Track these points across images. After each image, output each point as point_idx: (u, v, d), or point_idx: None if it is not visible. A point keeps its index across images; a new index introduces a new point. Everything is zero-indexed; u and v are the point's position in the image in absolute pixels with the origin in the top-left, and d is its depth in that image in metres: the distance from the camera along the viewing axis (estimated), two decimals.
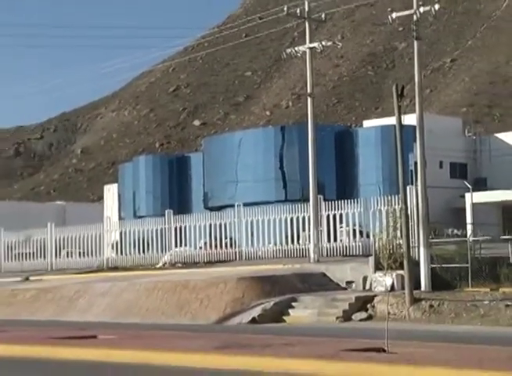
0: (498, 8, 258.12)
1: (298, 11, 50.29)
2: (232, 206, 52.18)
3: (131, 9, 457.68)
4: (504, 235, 47.83)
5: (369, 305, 35.96)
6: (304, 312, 36.31)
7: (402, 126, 38.71)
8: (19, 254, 59.72)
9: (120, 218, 71.75)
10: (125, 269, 51.05)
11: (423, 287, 37.31)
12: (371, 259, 40.22)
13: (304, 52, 49.98)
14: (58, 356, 22.22)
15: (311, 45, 49.75)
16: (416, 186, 39.48)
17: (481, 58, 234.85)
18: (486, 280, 37.26)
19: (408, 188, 38.79)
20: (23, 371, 20.49)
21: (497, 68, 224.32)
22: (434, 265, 38.67)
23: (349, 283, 40.25)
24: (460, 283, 38.19)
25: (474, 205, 63.50)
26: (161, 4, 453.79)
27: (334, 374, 16.96)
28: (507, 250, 33.68)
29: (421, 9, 41.64)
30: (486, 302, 34.21)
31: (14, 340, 26.06)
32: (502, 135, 78.07)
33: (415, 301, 34.98)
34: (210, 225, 52.05)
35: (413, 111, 41.65)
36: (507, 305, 32.77)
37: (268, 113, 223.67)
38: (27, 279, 52.96)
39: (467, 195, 64.43)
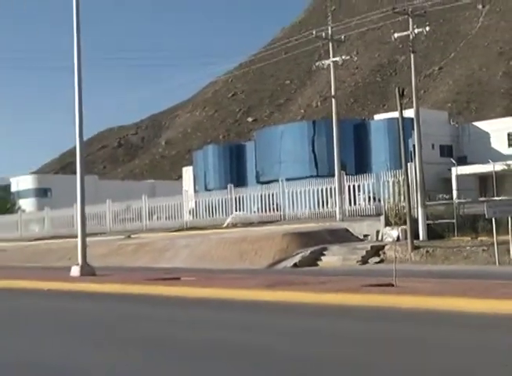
0: (473, 29, 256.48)
1: (324, 34, 50.29)
2: (277, 180, 52.03)
3: (197, 33, 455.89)
4: (481, 197, 47.59)
5: (380, 252, 35.85)
6: (333, 258, 36.22)
7: (403, 118, 38.60)
8: (122, 219, 60.01)
9: (194, 191, 71.80)
10: (199, 228, 51.10)
11: (421, 238, 37.16)
12: (382, 218, 40.12)
13: (329, 65, 49.84)
14: (153, 292, 22.62)
15: (334, 59, 49.58)
16: (415, 162, 39.29)
17: (460, 66, 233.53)
18: (468, 231, 37.09)
19: (408, 164, 38.61)
20: (132, 302, 20.66)
21: (473, 74, 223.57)
22: (428, 222, 38.49)
23: (366, 236, 40.12)
24: (448, 234, 38.03)
25: (457, 176, 63.18)
26: (222, 29, 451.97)
27: (357, 303, 17.00)
28: (483, 208, 33.47)
29: (416, 31, 41.54)
30: (468, 248, 34.05)
31: (123, 281, 26.38)
32: (477, 124, 77.99)
33: (415, 248, 34.86)
34: (261, 195, 52.02)
35: (411, 107, 41.54)
36: (484, 250, 32.61)
37: (302, 111, 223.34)
38: (128, 237, 53.19)
39: (453, 169, 64.15)
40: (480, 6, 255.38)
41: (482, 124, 76.76)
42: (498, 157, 62.80)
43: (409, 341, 12.25)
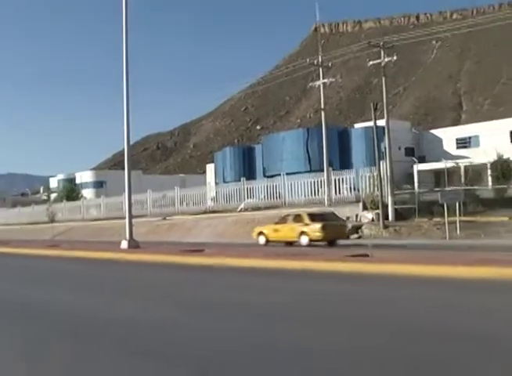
0: (428, 59, 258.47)
1: (315, 62, 50.34)
2: (279, 175, 51.99)
3: (218, 60, 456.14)
4: (435, 188, 47.52)
5: (359, 230, 35.95)
6: None
7: (376, 127, 38.67)
8: (159, 204, 60.11)
9: (215, 183, 71.70)
10: (219, 212, 51.14)
11: (390, 219, 37.22)
12: (360, 204, 40.23)
13: (319, 85, 49.90)
14: (183, 261, 22.62)
15: (323, 81, 49.60)
16: (386, 161, 39.34)
17: (419, 87, 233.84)
18: (426, 214, 37.13)
19: (381, 162, 38.69)
20: (168, 268, 20.72)
21: (429, 93, 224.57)
22: (396, 206, 38.55)
23: (348, 217, 40.01)
24: (411, 216, 38.12)
25: (418, 172, 63.16)
26: (237, 59, 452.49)
27: (341, 269, 16.98)
28: (437, 196, 33.53)
29: (386, 60, 41.58)
30: (426, 226, 34.16)
31: (159, 252, 26.44)
32: (433, 131, 77.89)
33: (385, 227, 34.89)
34: (267, 186, 52.01)
35: (383, 118, 41.45)
36: (437, 228, 32.73)
37: (299, 121, 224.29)
38: (164, 218, 53.30)
39: (415, 166, 64.14)
40: (434, 42, 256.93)
41: (436, 132, 76.72)
42: (448, 156, 62.72)
43: (378, 297, 12.37)
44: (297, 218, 34.84)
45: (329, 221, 32.91)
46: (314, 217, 34.05)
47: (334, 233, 32.96)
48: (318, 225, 32.63)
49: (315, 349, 7.39)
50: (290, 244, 33.91)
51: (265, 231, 36.15)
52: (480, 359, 6.82)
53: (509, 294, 12.20)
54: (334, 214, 35.71)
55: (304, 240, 33.05)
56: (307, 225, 33.43)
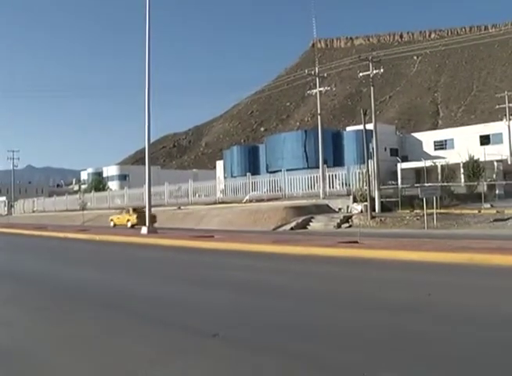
0: (411, 71, 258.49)
1: (312, 72, 50.25)
2: (280, 170, 51.88)
3: (229, 70, 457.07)
4: (416, 184, 47.51)
5: (349, 220, 35.74)
6: (317, 224, 36.09)
7: (365, 130, 38.51)
8: (175, 196, 59.95)
9: (224, 177, 71.65)
10: (227, 203, 51.00)
11: (377, 211, 37.05)
12: (351, 197, 40.00)
13: (316, 93, 49.68)
14: (195, 246, 22.55)
15: (320, 89, 49.40)
16: (373, 160, 39.19)
17: (403, 96, 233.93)
18: (407, 207, 37.00)
19: (369, 161, 38.53)
20: (183, 252, 20.72)
21: (411, 101, 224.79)
22: (382, 200, 38.43)
23: (340, 209, 39.93)
24: (395, 208, 37.98)
25: (401, 170, 63.08)
26: (245, 69, 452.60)
27: (333, 254, 16.99)
28: (417, 191, 33.53)
29: (374, 71, 41.43)
30: (407, 217, 33.96)
31: (174, 237, 26.40)
32: (414, 134, 77.81)
33: (372, 217, 34.74)
34: (269, 180, 51.83)
35: (371, 122, 41.31)
36: (417, 219, 32.53)
37: (298, 123, 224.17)
38: (179, 208, 53.14)
39: (398, 164, 64.04)
40: (415, 57, 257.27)
41: (417, 135, 76.67)
42: (427, 157, 62.59)
43: (364, 278, 12.42)
44: (128, 211, 48.17)
45: (143, 213, 38.69)
46: (135, 210, 46.90)
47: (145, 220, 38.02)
48: (135, 215, 45.27)
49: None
50: (128, 226, 44.85)
51: (114, 218, 49.04)
52: (451, 326, 6.89)
53: (480, 275, 12.19)
54: (328, 205, 35.80)
55: (129, 224, 45.25)
56: (130, 215, 46.38)
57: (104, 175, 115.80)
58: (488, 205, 38.24)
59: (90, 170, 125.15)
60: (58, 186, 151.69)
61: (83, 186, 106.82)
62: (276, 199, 47.74)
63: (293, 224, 36.13)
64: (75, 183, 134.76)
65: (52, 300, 10.57)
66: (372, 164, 39.31)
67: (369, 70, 42.04)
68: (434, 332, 6.91)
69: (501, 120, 68.35)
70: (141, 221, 38.60)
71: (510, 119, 65.61)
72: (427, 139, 73.31)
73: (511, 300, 9.28)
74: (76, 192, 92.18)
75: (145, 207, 34.22)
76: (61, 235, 35.02)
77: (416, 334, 6.89)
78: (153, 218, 37.43)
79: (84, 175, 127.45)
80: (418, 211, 34.28)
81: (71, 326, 8.10)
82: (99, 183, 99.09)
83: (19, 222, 66.16)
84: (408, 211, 36.31)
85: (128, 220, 45.75)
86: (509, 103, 68.16)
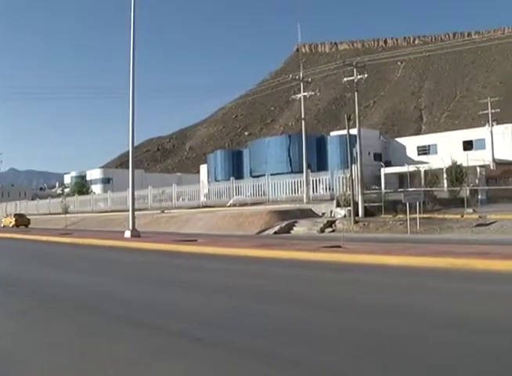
0: (395, 77, 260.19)
1: (297, 77, 50.28)
2: (264, 175, 51.90)
3: (214, 75, 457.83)
4: (399, 189, 47.70)
5: (333, 224, 35.76)
6: (301, 228, 36.11)
7: (349, 135, 38.62)
8: (159, 199, 59.77)
9: (208, 181, 71.49)
10: (211, 207, 50.97)
11: (360, 215, 37.12)
12: (334, 201, 40.07)
13: (300, 98, 49.77)
14: (179, 249, 22.50)
15: (304, 94, 49.48)
16: (357, 164, 39.28)
17: (387, 101, 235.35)
18: (391, 211, 37.08)
19: (353, 166, 38.58)
20: (165, 255, 20.68)
21: (395, 106, 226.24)
22: (365, 204, 38.51)
23: (323, 213, 39.99)
24: (378, 213, 38.05)
25: (385, 174, 63.25)
26: (230, 73, 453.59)
27: (317, 258, 16.97)
28: (401, 196, 33.66)
29: (358, 77, 41.55)
30: (390, 222, 34.06)
31: (157, 241, 26.31)
32: (398, 139, 78.25)
33: (356, 222, 34.80)
34: (253, 185, 51.84)
35: (355, 127, 41.45)
36: (400, 224, 32.61)
37: (282, 128, 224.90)
38: (162, 212, 53.07)
39: (382, 169, 64.17)
40: (399, 63, 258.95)
41: (401, 140, 77.06)
42: (411, 162, 62.94)
43: (348, 281, 12.44)
44: (11, 215, 65.68)
45: (20, 216, 63.45)
46: (15, 215, 64.66)
47: (22, 222, 60.30)
48: (14, 219, 61.36)
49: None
50: (13, 226, 58.99)
51: (3, 220, 64.53)
52: (417, 327, 6.91)
53: (458, 280, 12.23)
54: (311, 210, 35.85)
55: (12, 224, 60.27)
56: (11, 218, 62.22)
57: (87, 178, 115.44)
58: (471, 210, 38.42)
59: (73, 173, 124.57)
60: (41, 189, 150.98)
61: (66, 190, 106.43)
62: (260, 203, 47.74)
63: (276, 228, 36.10)
64: (58, 186, 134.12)
65: (29, 302, 10.50)
66: (355, 169, 39.39)
67: (353, 75, 42.17)
68: (414, 336, 6.93)
69: (484, 126, 68.84)
70: (19, 222, 59.81)
71: (492, 125, 66.11)
72: (410, 144, 73.69)
73: (488, 304, 9.31)
74: (59, 195, 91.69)
75: (127, 210, 34.09)
76: (43, 238, 34.78)
77: (396, 338, 6.90)
78: (26, 221, 60.86)
79: (67, 179, 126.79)
80: (401, 215, 34.34)
81: (48, 328, 8.07)
82: (82, 187, 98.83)
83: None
84: (391, 215, 36.39)
85: (11, 222, 61.50)
86: (491, 108, 68.74)
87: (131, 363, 6.05)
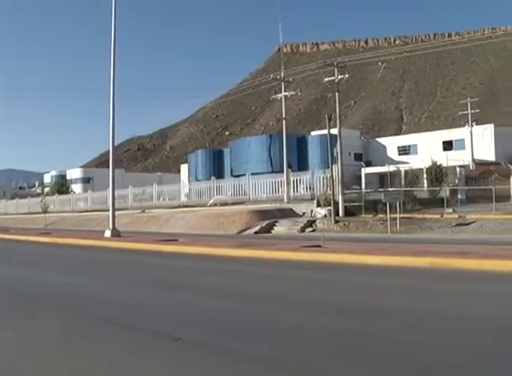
0: (376, 77, 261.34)
1: (278, 77, 50.38)
2: (245, 175, 51.82)
3: (194, 74, 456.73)
4: (380, 189, 47.90)
5: (313, 224, 35.82)
6: (281, 228, 36.13)
7: (330, 135, 38.72)
8: (139, 199, 59.48)
9: (189, 181, 71.30)
10: (191, 206, 50.76)
11: (340, 215, 37.21)
12: (315, 201, 40.13)
13: (281, 97, 49.86)
14: (159, 249, 22.43)
15: (285, 94, 49.56)
16: (337, 164, 39.40)
17: (367, 101, 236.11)
18: (371, 211, 37.23)
19: (333, 166, 38.68)
20: (145, 255, 20.62)
21: (375, 106, 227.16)
22: (346, 204, 38.62)
23: (303, 213, 40.02)
24: (359, 213, 38.16)
25: (365, 174, 63.53)
26: (210, 72, 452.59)
27: (297, 258, 17.00)
28: (381, 196, 33.82)
29: (339, 77, 41.70)
30: (371, 222, 34.21)
31: (138, 241, 26.15)
32: (378, 139, 78.53)
33: (336, 221, 34.90)
34: (234, 184, 51.78)
35: (335, 127, 41.55)
36: (381, 223, 32.78)
37: (263, 128, 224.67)
38: (143, 211, 52.85)
39: (362, 169, 64.44)
40: (380, 63, 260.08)
41: (381, 140, 77.38)
42: (391, 162, 63.23)
43: (328, 281, 12.53)
44: None
45: None
46: None
47: None
48: None
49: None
50: None
51: None
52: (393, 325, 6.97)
53: (437, 279, 12.31)
54: (292, 210, 35.95)
55: None
56: None
57: (68, 177, 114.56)
58: (451, 210, 38.71)
59: (53, 172, 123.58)
60: (21, 188, 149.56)
61: (46, 189, 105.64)
62: (241, 203, 47.71)
63: (257, 228, 36.10)
64: (38, 186, 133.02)
65: (6, 303, 10.45)
66: (336, 169, 39.50)
67: (334, 75, 42.31)
68: (390, 336, 6.98)
69: (464, 126, 69.34)
70: None
71: (472, 125, 66.60)
72: (391, 144, 74.04)
73: (464, 302, 9.40)
74: (39, 194, 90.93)
75: (108, 210, 33.95)
76: (22, 238, 34.48)
77: (372, 337, 6.94)
78: None
79: (47, 178, 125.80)
80: (381, 215, 34.52)
81: (27, 329, 8.01)
82: (62, 186, 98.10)
83: None
84: (371, 215, 36.54)
85: None
86: (471, 109, 69.24)
87: (111, 364, 6.03)
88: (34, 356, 6.55)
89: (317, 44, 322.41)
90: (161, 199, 57.98)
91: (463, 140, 66.58)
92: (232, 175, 66.27)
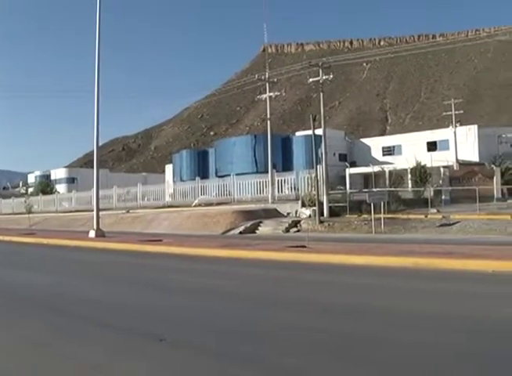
0: (360, 78, 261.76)
1: (263, 77, 50.40)
2: (230, 175, 51.79)
3: (178, 75, 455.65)
4: (364, 189, 48.03)
5: (298, 224, 35.84)
6: (266, 228, 36.13)
7: (315, 135, 38.76)
8: (123, 199, 59.33)
9: (173, 181, 71.07)
10: (176, 206, 50.64)
11: (325, 215, 37.23)
12: (299, 202, 40.18)
13: (266, 98, 49.88)
14: (143, 249, 22.40)
15: (269, 94, 49.59)
16: (322, 165, 39.42)
17: (352, 102, 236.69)
18: (355, 211, 37.29)
19: (318, 166, 38.74)
20: (130, 255, 20.58)
21: (360, 107, 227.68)
22: (330, 204, 38.65)
23: (288, 213, 40.06)
24: (343, 213, 38.23)
25: (350, 175, 63.62)
26: (195, 73, 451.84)
27: (281, 258, 17.03)
28: (365, 196, 33.91)
29: (324, 77, 41.74)
30: (355, 222, 34.30)
31: (122, 241, 26.07)
32: (363, 140, 78.64)
33: (321, 222, 34.96)
34: (218, 185, 51.70)
35: (320, 128, 41.59)
36: (365, 224, 32.88)
37: (248, 128, 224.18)
38: (127, 211, 52.66)
39: (347, 170, 64.51)
40: (365, 64, 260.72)
41: (366, 141, 77.54)
42: (376, 162, 63.36)
43: (312, 282, 12.55)
44: None
45: None
46: None
47: None
48: None
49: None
50: None
51: None
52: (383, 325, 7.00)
53: (421, 279, 12.38)
54: (276, 210, 35.98)
55: None
56: None
57: (52, 177, 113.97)
58: (435, 210, 38.87)
59: (37, 172, 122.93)
60: (4, 188, 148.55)
61: (30, 189, 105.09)
62: (225, 203, 47.66)
63: (241, 228, 36.08)
64: (22, 186, 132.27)
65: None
66: (321, 169, 39.54)
67: (319, 75, 42.36)
68: (375, 334, 7.01)
69: (448, 127, 69.68)
70: None
71: (456, 126, 66.93)
72: (375, 144, 74.22)
73: (449, 302, 9.44)
74: (23, 195, 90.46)
75: (92, 210, 33.82)
76: (6, 238, 34.28)
77: (357, 337, 6.97)
78: None
79: (31, 178, 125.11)
80: (366, 215, 34.62)
81: (11, 330, 7.98)
82: (46, 186, 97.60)
83: None
84: (356, 215, 36.63)
85: None
86: (455, 110, 69.58)
87: (94, 364, 6.02)
88: (17, 355, 6.53)
89: (302, 44, 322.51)
90: (146, 199, 57.81)
91: (447, 141, 66.93)
92: (216, 175, 66.15)
